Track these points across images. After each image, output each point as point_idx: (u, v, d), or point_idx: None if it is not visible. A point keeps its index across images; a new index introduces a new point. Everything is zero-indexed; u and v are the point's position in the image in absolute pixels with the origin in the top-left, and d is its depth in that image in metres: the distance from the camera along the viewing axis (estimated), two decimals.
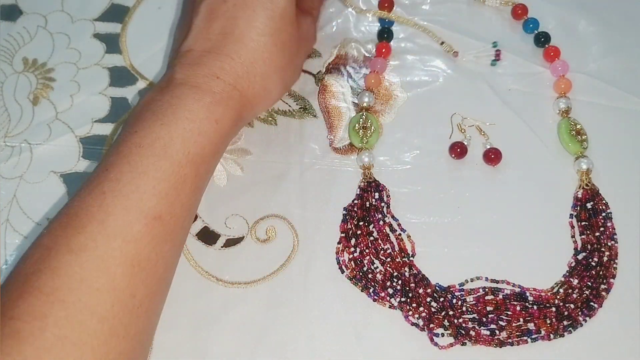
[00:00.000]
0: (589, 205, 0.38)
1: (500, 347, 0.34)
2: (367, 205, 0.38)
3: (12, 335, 0.25)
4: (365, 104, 0.42)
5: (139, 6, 0.47)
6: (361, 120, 0.41)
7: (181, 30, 0.38)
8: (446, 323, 0.35)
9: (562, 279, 0.36)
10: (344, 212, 0.38)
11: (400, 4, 0.46)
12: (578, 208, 0.38)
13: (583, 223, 0.38)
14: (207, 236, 0.38)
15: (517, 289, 0.36)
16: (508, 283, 0.36)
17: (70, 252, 0.28)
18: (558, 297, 0.36)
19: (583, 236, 0.37)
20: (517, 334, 0.35)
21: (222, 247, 0.38)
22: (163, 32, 0.46)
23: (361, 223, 0.38)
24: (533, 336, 0.34)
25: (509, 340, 0.34)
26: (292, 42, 0.37)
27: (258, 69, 0.35)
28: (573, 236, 0.38)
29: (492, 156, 0.39)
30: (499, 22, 0.45)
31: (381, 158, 0.40)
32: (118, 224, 0.29)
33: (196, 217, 0.39)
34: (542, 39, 0.43)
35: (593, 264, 0.36)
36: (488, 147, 0.40)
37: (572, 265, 0.37)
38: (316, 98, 0.43)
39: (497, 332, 0.35)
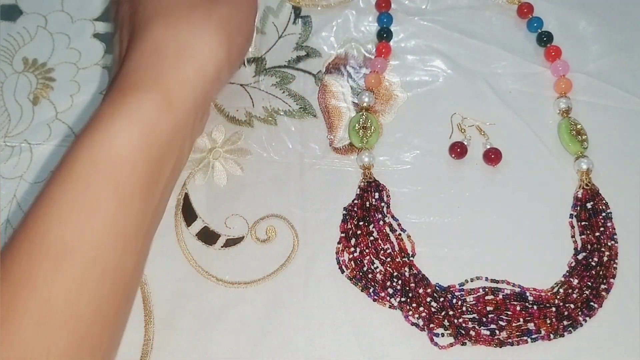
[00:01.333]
0: (589, 205, 0.38)
1: (500, 347, 0.34)
2: (367, 205, 0.38)
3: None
4: (365, 104, 0.42)
5: None
6: (361, 120, 0.41)
7: None
8: (446, 323, 0.35)
9: (562, 279, 0.36)
10: (344, 212, 0.38)
11: (400, 4, 0.46)
12: (578, 208, 0.38)
13: (583, 223, 0.38)
14: (207, 236, 0.38)
15: (517, 289, 0.36)
16: (508, 283, 0.36)
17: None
18: (558, 297, 0.36)
19: (583, 236, 0.37)
20: (517, 334, 0.35)
21: (222, 247, 0.38)
22: None
23: (361, 223, 0.38)
24: (533, 336, 0.34)
25: (509, 340, 0.34)
26: None
27: None
28: (573, 236, 0.38)
29: (492, 156, 0.39)
30: (500, 21, 0.45)
31: (381, 158, 0.40)
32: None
33: (196, 217, 0.39)
34: (544, 39, 0.43)
35: (593, 264, 0.36)
36: (488, 147, 0.40)
37: (572, 265, 0.37)
38: (316, 98, 0.43)
39: (497, 332, 0.35)
